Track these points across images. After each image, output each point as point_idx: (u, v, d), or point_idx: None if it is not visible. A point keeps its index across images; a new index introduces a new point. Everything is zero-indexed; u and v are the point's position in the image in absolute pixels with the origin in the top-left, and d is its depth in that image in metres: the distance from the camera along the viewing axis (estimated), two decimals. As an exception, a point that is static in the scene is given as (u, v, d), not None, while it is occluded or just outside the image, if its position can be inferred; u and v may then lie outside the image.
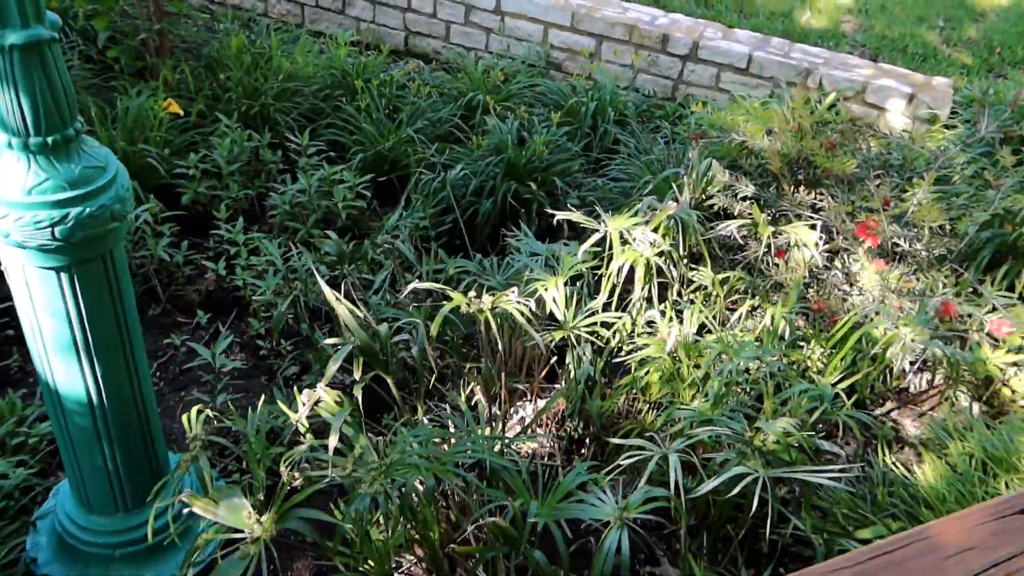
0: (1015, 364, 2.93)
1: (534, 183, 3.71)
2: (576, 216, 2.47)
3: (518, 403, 2.94)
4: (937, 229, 3.12)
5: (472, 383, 2.76)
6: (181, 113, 3.68)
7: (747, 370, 2.30)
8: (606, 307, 2.63)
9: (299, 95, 4.26)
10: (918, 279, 2.95)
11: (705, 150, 3.83)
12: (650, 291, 2.52)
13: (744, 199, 3.36)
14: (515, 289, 2.15)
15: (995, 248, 3.38)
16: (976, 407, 3.02)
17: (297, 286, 3.18)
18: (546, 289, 2.44)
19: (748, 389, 2.33)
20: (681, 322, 2.46)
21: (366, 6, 5.61)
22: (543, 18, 5.12)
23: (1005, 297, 3.06)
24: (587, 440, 2.75)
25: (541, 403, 2.94)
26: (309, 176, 3.55)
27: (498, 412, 2.80)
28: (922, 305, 2.49)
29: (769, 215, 3.34)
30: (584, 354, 2.71)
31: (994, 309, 2.85)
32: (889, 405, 3.09)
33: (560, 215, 2.47)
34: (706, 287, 2.60)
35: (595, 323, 2.46)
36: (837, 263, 3.03)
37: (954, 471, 2.30)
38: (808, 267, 3.00)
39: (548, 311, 2.52)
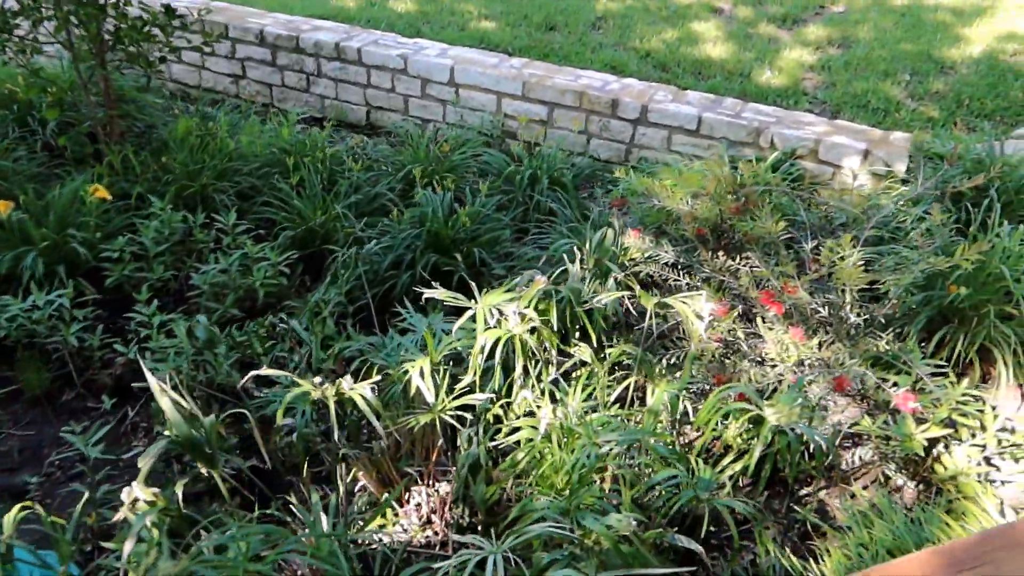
0: (943, 439, 2.71)
1: (460, 254, 3.64)
2: (441, 293, 2.37)
3: (414, 488, 2.79)
4: (858, 293, 2.95)
5: (357, 469, 2.63)
6: (109, 198, 3.71)
7: (628, 453, 2.15)
8: (498, 389, 2.51)
9: (240, 174, 4.28)
10: (831, 349, 2.77)
11: (635, 216, 3.74)
12: (527, 369, 2.39)
13: (667, 266, 3.24)
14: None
15: (933, 312, 3.19)
16: (911, 486, 2.79)
17: (206, 368, 3.12)
18: (414, 370, 2.33)
19: (623, 477, 2.16)
20: (555, 402, 2.31)
21: (329, 84, 5.70)
22: (495, 88, 5.13)
23: (937, 367, 2.86)
24: (478, 527, 2.59)
25: (441, 487, 2.79)
26: (228, 256, 3.52)
27: (383, 498, 2.66)
28: (799, 382, 2.32)
29: (689, 283, 3.21)
30: (475, 435, 2.58)
31: (917, 380, 2.65)
32: (819, 484, 2.87)
33: (428, 293, 2.38)
34: (587, 363, 2.46)
35: (464, 404, 2.33)
36: (743, 333, 2.86)
37: (850, 561, 2.09)
38: (722, 338, 2.85)
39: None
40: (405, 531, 2.74)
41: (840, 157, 4.43)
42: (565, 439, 2.14)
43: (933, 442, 2.75)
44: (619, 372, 2.52)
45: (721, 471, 2.21)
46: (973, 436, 2.71)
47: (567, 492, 2.07)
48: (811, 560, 2.29)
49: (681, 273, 3.32)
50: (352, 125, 5.71)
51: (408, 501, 2.83)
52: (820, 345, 2.83)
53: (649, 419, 2.25)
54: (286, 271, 3.59)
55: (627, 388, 2.47)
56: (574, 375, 2.46)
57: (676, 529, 2.04)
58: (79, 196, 3.81)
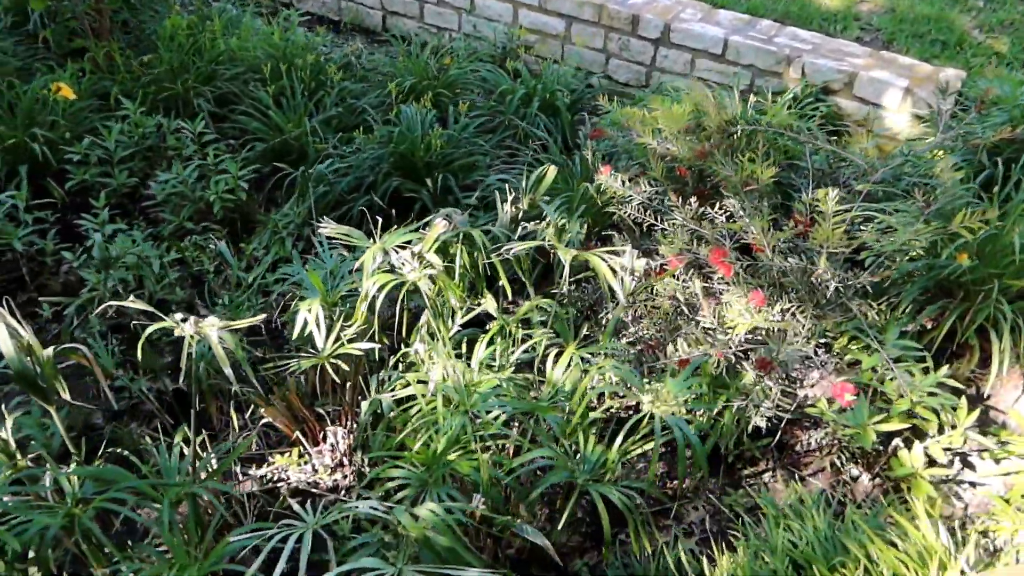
0: (905, 432, 2.39)
1: (430, 179, 3.40)
2: (331, 230, 2.15)
3: (329, 428, 2.66)
4: (845, 257, 2.59)
5: (259, 405, 2.51)
6: (72, 96, 3.58)
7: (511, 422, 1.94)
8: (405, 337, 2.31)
9: (223, 79, 4.09)
10: (799, 318, 2.44)
11: (620, 150, 3.40)
12: (428, 322, 2.18)
13: (646, 209, 2.92)
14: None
15: (928, 283, 2.80)
16: (865, 479, 2.50)
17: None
18: (309, 310, 2.15)
19: (500, 447, 1.96)
20: (460, 358, 2.11)
21: (345, -16, 5.38)
22: (511, -3, 4.73)
23: (923, 348, 2.51)
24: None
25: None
26: (182, 166, 3.38)
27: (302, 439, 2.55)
28: (691, 365, 2.03)
29: (664, 230, 2.90)
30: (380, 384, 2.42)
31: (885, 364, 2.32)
32: (765, 466, 2.61)
33: (322, 229, 2.17)
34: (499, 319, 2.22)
35: (348, 352, 2.15)
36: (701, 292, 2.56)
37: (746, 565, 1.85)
38: (674, 296, 2.56)
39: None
40: (315, 471, 2.64)
41: (878, 94, 3.92)
42: (452, 401, 1.95)
43: (894, 434, 2.44)
44: (545, 331, 2.28)
45: (626, 452, 1.98)
46: (941, 431, 2.38)
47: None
48: (708, 558, 2.06)
49: (660, 219, 3.00)
50: (368, 30, 5.41)
51: (325, 440, 2.71)
52: (783, 313, 2.51)
53: (549, 388, 2.02)
54: (244, 186, 3.42)
55: (556, 351, 2.23)
56: (488, 331, 2.24)
57: (544, 516, 1.84)
58: (47, 94, 3.70)
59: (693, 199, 2.86)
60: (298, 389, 2.60)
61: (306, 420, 2.64)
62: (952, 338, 2.78)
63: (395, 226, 2.56)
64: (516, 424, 2.05)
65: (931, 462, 2.45)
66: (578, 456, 1.88)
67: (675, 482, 2.57)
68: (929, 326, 2.80)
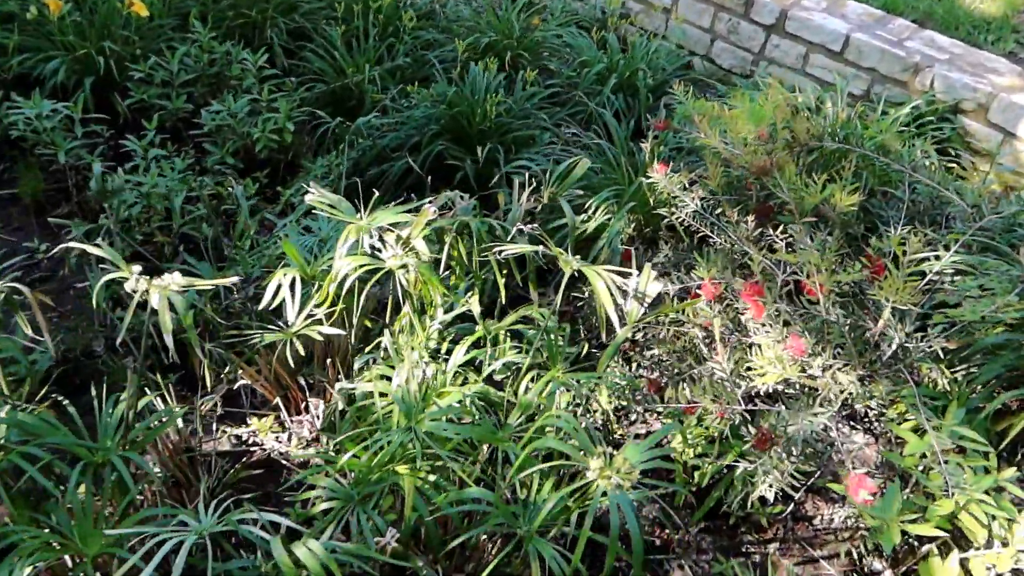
0: (936, 538, 2.00)
1: (481, 148, 3.15)
2: (314, 198, 1.94)
3: (312, 400, 2.52)
4: (909, 313, 2.19)
5: (236, 367, 2.38)
6: (145, 14, 3.52)
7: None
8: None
9: (304, 12, 3.94)
10: (842, 375, 2.08)
11: (687, 144, 3.04)
12: (410, 313, 1.95)
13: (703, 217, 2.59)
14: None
15: (1005, 365, 2.34)
16: (887, 572, 2.13)
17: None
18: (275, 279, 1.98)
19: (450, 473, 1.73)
20: (436, 360, 1.89)
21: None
22: (619, -41, 4.35)
23: (975, 441, 2.10)
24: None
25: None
26: (229, 100, 3.26)
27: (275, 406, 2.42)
28: (665, 429, 1.70)
29: (711, 247, 2.56)
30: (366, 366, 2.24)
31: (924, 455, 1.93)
32: (775, 534, 2.27)
33: (308, 198, 1.96)
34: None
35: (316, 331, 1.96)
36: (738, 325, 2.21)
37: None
38: (709, 326, 2.24)
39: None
40: (290, 441, 2.50)
41: (1015, 122, 3.36)
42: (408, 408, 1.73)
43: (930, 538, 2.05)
44: (535, 346, 2.01)
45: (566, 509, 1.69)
46: (990, 544, 1.98)
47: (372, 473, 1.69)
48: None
49: (716, 231, 2.65)
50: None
51: (307, 411, 2.57)
52: (825, 369, 2.14)
53: (517, 414, 1.77)
54: (291, 127, 3.27)
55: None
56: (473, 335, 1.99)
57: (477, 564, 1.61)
58: (121, 7, 3.65)
59: (750, 218, 2.50)
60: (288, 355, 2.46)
61: (289, 387, 2.50)
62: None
63: (428, 195, 2.34)
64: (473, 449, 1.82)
65: None
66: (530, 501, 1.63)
67: (667, 531, 2.28)
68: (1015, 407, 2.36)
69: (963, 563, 1.99)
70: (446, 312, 1.95)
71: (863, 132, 3.00)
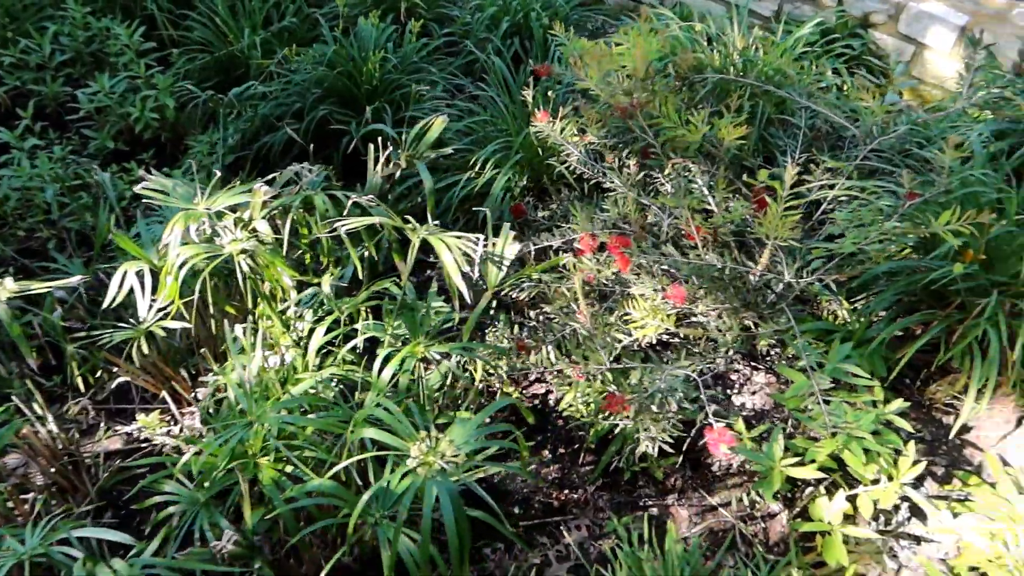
0: (819, 480, 1.96)
1: (369, 107, 3.00)
2: (143, 186, 1.82)
3: (201, 390, 2.43)
4: (791, 251, 2.11)
5: (117, 367, 2.28)
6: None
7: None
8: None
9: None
10: (722, 319, 2.01)
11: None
12: (254, 300, 1.85)
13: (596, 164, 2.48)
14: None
15: (908, 288, 2.27)
16: (784, 516, 2.10)
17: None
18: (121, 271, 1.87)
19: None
20: (299, 345, 1.79)
21: None
22: None
23: (857, 376, 2.03)
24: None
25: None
26: (103, 80, 3.09)
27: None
28: (494, 405, 1.62)
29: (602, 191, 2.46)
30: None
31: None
32: (673, 485, 2.23)
33: (137, 188, 1.83)
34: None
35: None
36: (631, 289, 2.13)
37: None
38: (593, 280, 2.15)
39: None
40: (181, 433, 2.42)
41: (925, 32, 3.23)
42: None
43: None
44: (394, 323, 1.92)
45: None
46: (876, 482, 1.94)
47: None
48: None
49: (605, 176, 2.55)
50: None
51: (197, 401, 2.49)
52: (707, 315, 2.07)
53: (373, 395, 1.69)
54: (170, 104, 3.11)
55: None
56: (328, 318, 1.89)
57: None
58: (-8, -12, 3.44)
59: (632, 161, 2.40)
60: (168, 347, 2.37)
61: (172, 379, 2.41)
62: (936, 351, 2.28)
63: (313, 163, 2.22)
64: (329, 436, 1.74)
65: (875, 514, 2.03)
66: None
67: (567, 492, 2.24)
68: (920, 333, 2.30)
69: (853, 500, 1.96)
70: (299, 293, 1.85)
71: (761, 58, 2.88)
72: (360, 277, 1.92)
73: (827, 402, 1.87)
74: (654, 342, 2.20)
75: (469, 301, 1.80)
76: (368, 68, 3.01)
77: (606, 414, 2.14)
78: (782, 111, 2.80)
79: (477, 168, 2.70)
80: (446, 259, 1.68)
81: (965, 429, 2.28)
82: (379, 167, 2.05)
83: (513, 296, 2.32)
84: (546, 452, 2.35)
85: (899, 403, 1.96)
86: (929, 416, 2.32)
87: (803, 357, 1.90)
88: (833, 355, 1.98)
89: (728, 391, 2.44)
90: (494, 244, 1.84)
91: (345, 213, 1.78)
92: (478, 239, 1.73)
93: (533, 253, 2.08)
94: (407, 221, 1.79)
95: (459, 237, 1.72)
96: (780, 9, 3.59)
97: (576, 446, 2.33)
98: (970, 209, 2.17)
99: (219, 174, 2.07)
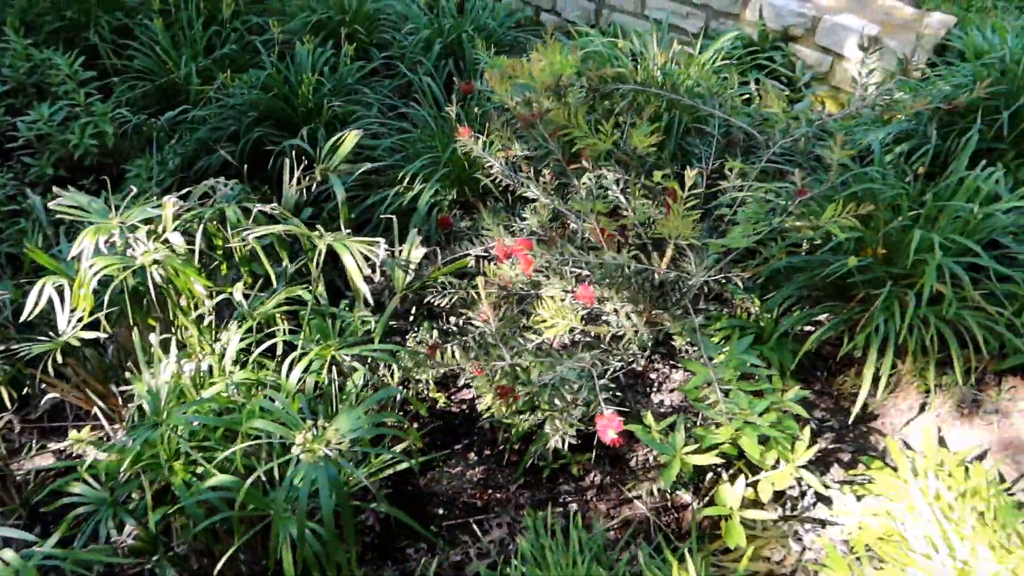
0: (720, 466, 2.04)
1: (306, 128, 3.09)
2: (56, 203, 1.88)
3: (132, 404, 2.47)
4: (698, 250, 2.21)
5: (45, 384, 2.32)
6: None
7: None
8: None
9: (129, 8, 3.81)
10: (630, 319, 2.09)
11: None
12: (172, 311, 1.91)
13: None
14: None
15: (809, 282, 2.38)
16: (695, 507, 2.17)
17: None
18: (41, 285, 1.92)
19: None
20: (214, 353, 1.85)
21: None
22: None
23: (754, 366, 2.13)
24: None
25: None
26: (42, 108, 3.15)
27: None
28: (379, 395, 1.69)
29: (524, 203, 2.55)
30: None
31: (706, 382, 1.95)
32: (592, 481, 2.30)
33: (52, 204, 1.90)
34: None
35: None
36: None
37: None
38: (510, 284, 2.23)
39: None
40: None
41: (841, 43, 3.38)
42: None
43: (725, 464, 2.09)
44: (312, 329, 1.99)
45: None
46: (776, 465, 2.02)
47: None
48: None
49: (526, 187, 2.64)
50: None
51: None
52: (613, 313, 2.15)
53: (281, 394, 1.75)
54: (109, 130, 3.18)
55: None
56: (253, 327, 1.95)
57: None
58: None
59: (547, 171, 2.49)
60: (100, 363, 2.41)
61: (103, 395, 2.45)
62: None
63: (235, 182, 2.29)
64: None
65: (778, 496, 2.11)
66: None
67: (490, 491, 2.30)
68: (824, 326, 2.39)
69: (755, 486, 2.03)
70: (213, 301, 1.92)
71: (678, 71, 3.00)
72: (275, 285, 1.99)
73: (727, 392, 1.95)
74: (568, 342, 2.28)
75: (370, 303, 1.87)
76: (303, 91, 3.10)
77: (525, 414, 2.22)
78: (698, 120, 2.91)
79: (406, 183, 2.78)
80: (348, 263, 1.76)
81: (872, 416, 2.37)
82: (294, 181, 2.13)
83: (436, 303, 2.40)
84: (472, 455, 2.41)
85: (796, 391, 2.05)
86: (838, 406, 2.40)
87: (701, 350, 1.98)
88: (733, 348, 2.06)
89: (648, 389, 2.52)
90: (401, 251, 1.92)
91: (251, 222, 1.85)
92: (378, 242, 1.81)
93: (446, 260, 2.16)
94: (315, 229, 1.86)
95: (363, 242, 1.80)
96: (707, 26, 3.72)
97: (501, 448, 2.39)
98: (868, 205, 2.29)
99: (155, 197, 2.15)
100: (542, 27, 4.25)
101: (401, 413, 2.34)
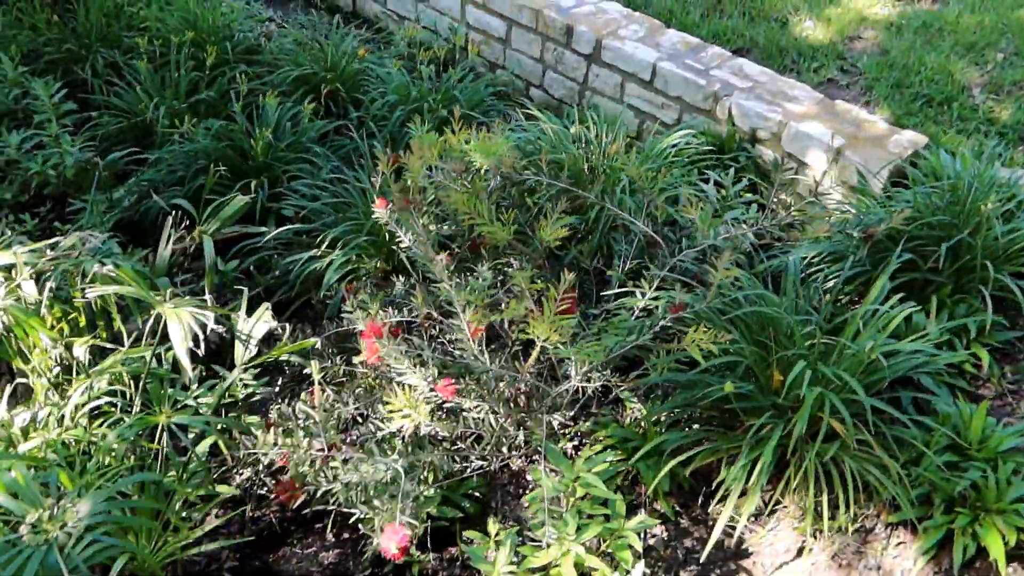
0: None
1: (256, 181, 3.14)
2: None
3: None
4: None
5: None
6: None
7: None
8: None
9: (126, 48, 3.97)
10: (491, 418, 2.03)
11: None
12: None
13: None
14: None
15: (677, 405, 2.27)
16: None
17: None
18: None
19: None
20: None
21: (320, -39, 5.17)
22: (458, -10, 4.37)
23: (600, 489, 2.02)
24: None
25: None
26: (11, 135, 3.29)
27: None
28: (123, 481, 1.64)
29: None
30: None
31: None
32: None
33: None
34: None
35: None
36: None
37: None
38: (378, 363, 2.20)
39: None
40: None
41: (805, 151, 3.30)
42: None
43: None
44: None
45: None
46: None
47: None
48: None
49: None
50: (340, 9, 5.19)
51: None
52: (467, 411, 2.09)
53: (98, 456, 1.73)
54: (69, 162, 3.28)
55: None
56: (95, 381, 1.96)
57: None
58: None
59: (443, 254, 2.47)
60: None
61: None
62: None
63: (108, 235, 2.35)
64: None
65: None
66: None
67: (335, 578, 2.23)
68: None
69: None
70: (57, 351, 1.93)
71: (616, 165, 2.96)
72: (126, 343, 2.00)
73: (557, 515, 1.86)
74: (427, 434, 2.22)
75: (191, 376, 1.86)
76: (255, 144, 3.16)
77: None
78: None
79: (324, 247, 2.79)
80: (172, 332, 1.75)
81: (745, 554, 2.23)
82: (171, 242, 2.15)
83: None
84: (329, 535, 2.35)
85: (639, 520, 1.94)
86: (710, 535, 2.27)
87: (540, 464, 1.90)
88: (579, 464, 1.98)
89: (522, 491, 2.43)
90: (246, 321, 1.91)
91: (88, 280, 1.88)
92: (207, 315, 1.80)
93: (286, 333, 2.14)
94: (177, 294, 1.87)
95: (194, 313, 1.79)
96: (680, 118, 3.69)
97: (359, 532, 2.33)
98: (757, 328, 2.20)
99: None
100: (531, 100, 4.28)
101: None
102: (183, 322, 1.75)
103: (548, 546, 1.78)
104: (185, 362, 1.76)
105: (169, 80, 3.73)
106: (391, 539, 1.62)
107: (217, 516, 2.30)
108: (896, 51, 3.90)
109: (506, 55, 4.33)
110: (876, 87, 3.73)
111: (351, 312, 2.46)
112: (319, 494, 1.84)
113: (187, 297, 1.96)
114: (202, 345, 1.80)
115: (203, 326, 1.80)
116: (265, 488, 2.25)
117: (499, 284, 2.41)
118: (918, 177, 3.03)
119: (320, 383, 1.93)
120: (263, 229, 2.55)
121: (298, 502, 1.82)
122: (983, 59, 3.83)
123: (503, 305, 2.22)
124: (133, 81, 3.72)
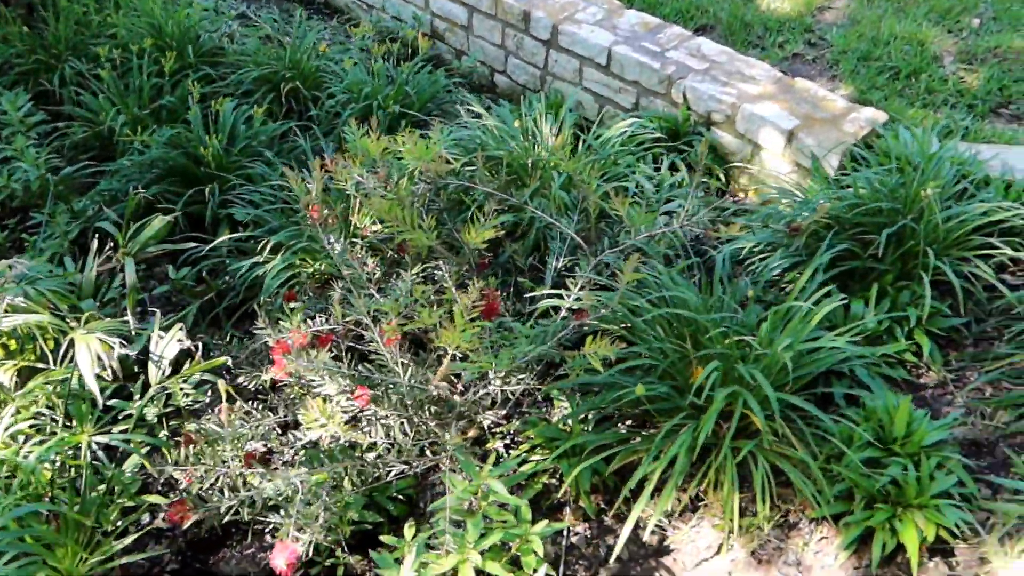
0: None
1: (208, 187, 3.20)
2: None
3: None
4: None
5: None
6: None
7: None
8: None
9: (91, 56, 4.03)
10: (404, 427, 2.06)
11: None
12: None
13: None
14: None
15: (595, 407, 2.27)
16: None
17: None
18: None
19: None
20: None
21: (292, -49, 5.16)
22: (421, -21, 4.34)
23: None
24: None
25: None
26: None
27: None
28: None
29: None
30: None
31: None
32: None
33: None
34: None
35: None
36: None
37: None
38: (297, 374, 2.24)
39: None
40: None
41: (758, 133, 3.24)
42: None
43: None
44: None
45: None
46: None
47: None
48: None
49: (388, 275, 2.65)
50: (312, 0, 5.19)
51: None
52: (378, 419, 2.12)
53: (21, 476, 1.81)
54: (34, 175, 3.36)
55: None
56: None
57: None
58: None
59: (372, 261, 2.49)
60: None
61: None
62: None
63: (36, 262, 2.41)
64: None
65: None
66: None
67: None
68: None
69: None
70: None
71: (551, 159, 2.94)
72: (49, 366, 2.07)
73: (459, 523, 1.90)
74: (347, 443, 2.26)
75: (100, 401, 1.92)
76: (207, 152, 3.20)
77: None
78: (563, 213, 2.84)
79: (267, 252, 2.84)
80: (80, 357, 1.81)
81: (666, 551, 2.24)
82: (95, 262, 2.21)
83: (246, 385, 2.43)
84: (268, 537, 2.42)
85: (543, 526, 1.96)
86: (635, 535, 2.29)
87: (443, 467, 1.93)
88: (485, 471, 2.00)
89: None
90: (159, 342, 1.96)
91: (3, 309, 1.95)
92: (112, 342, 1.85)
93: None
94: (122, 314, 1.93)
95: (103, 339, 1.85)
96: (638, 102, 3.63)
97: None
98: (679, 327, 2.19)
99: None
100: (496, 87, 4.26)
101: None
102: (91, 348, 1.81)
103: (447, 553, 1.82)
104: (92, 386, 1.82)
105: (133, 87, 3.78)
106: (280, 555, 1.68)
107: (165, 521, 2.39)
108: (866, 21, 3.78)
109: (470, 42, 4.30)
110: (842, 61, 3.63)
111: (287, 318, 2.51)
112: (223, 510, 1.90)
113: (106, 320, 2.01)
114: (108, 369, 1.86)
115: (111, 349, 1.86)
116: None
117: (431, 282, 2.43)
118: (873, 159, 2.97)
119: (234, 398, 1.98)
120: (191, 245, 2.60)
121: (189, 522, 1.88)
122: (957, 26, 3.70)
123: (435, 308, 2.24)
124: (98, 90, 3.78)
